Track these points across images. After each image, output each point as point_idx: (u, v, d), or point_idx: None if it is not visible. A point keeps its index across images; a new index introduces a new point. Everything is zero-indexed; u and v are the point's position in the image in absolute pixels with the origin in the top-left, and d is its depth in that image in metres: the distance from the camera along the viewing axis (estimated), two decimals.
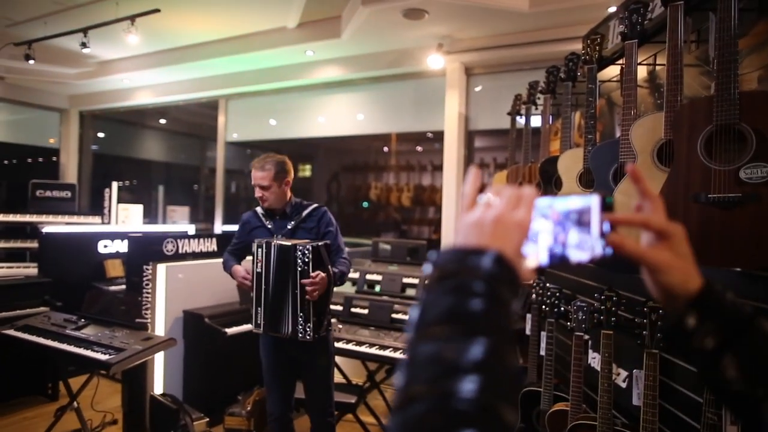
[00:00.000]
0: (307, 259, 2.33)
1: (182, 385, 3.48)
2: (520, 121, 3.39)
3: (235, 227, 2.80)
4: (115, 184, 5.78)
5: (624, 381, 1.89)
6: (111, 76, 6.09)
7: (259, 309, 2.46)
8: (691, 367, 1.47)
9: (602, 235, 0.57)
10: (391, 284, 3.67)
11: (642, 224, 0.62)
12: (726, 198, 1.27)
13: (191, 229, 5.77)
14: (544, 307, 2.22)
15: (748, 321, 0.62)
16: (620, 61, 2.36)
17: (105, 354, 2.71)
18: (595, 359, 2.05)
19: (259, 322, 2.47)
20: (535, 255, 0.59)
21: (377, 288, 3.71)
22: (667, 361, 1.65)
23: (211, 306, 3.53)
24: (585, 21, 3.40)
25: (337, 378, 2.69)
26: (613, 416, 1.74)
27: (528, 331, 2.43)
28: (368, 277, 3.78)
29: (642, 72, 2.41)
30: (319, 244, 2.40)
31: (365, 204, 6.10)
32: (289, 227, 2.55)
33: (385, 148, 6.11)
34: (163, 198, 7.42)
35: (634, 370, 1.80)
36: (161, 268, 3.39)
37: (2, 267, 4.88)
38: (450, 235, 4.46)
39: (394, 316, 3.41)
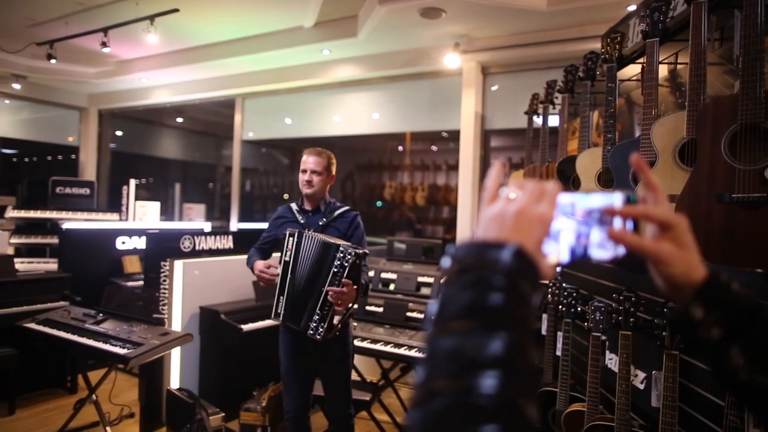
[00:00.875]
0: (345, 263, 2.26)
1: (198, 380, 3.52)
2: (537, 120, 3.37)
3: (250, 225, 2.82)
4: (132, 182, 5.88)
5: (642, 383, 1.87)
6: (129, 75, 6.17)
7: (281, 298, 2.44)
8: (703, 365, 1.45)
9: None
10: (405, 283, 3.67)
11: (643, 216, 0.61)
12: (750, 198, 1.25)
13: (207, 227, 5.84)
14: (560, 307, 2.20)
15: (754, 311, 0.61)
16: (640, 60, 2.34)
17: (123, 348, 2.75)
18: (611, 360, 2.03)
19: (279, 311, 2.45)
20: (555, 252, 0.58)
21: (392, 286, 3.72)
22: (686, 363, 1.64)
23: (227, 302, 3.56)
24: (604, 20, 3.37)
25: (352, 375, 2.70)
26: (631, 418, 1.73)
27: (544, 331, 2.42)
28: (383, 275, 3.79)
29: (662, 71, 2.39)
30: (364, 251, 2.37)
31: (379, 203, 6.10)
32: (320, 223, 2.55)
33: (400, 148, 6.10)
34: (180, 196, 7.49)
35: (653, 372, 1.79)
36: (178, 265, 3.43)
37: (23, 262, 4.98)
38: (465, 235, 4.45)
39: (408, 314, 3.42)
